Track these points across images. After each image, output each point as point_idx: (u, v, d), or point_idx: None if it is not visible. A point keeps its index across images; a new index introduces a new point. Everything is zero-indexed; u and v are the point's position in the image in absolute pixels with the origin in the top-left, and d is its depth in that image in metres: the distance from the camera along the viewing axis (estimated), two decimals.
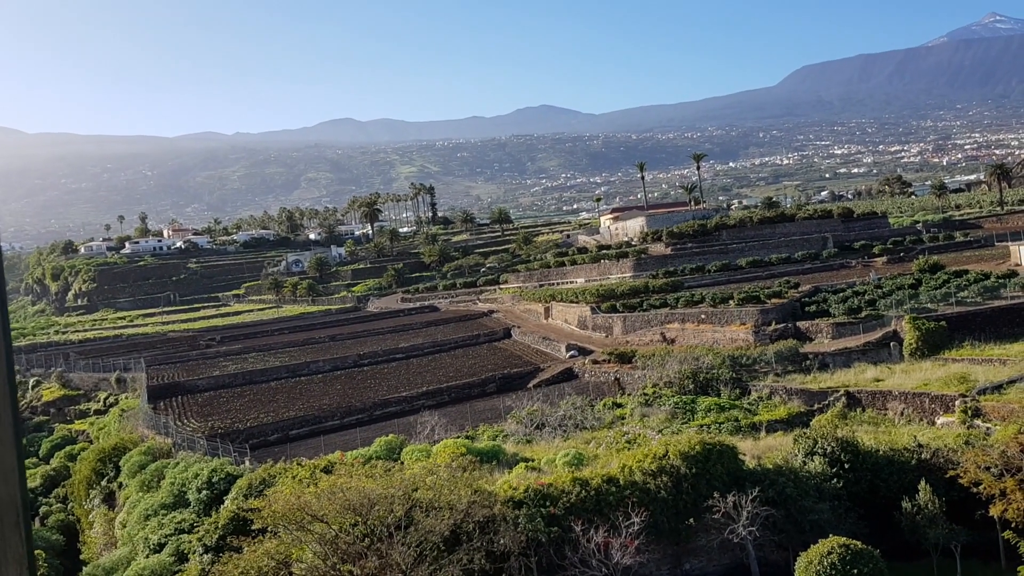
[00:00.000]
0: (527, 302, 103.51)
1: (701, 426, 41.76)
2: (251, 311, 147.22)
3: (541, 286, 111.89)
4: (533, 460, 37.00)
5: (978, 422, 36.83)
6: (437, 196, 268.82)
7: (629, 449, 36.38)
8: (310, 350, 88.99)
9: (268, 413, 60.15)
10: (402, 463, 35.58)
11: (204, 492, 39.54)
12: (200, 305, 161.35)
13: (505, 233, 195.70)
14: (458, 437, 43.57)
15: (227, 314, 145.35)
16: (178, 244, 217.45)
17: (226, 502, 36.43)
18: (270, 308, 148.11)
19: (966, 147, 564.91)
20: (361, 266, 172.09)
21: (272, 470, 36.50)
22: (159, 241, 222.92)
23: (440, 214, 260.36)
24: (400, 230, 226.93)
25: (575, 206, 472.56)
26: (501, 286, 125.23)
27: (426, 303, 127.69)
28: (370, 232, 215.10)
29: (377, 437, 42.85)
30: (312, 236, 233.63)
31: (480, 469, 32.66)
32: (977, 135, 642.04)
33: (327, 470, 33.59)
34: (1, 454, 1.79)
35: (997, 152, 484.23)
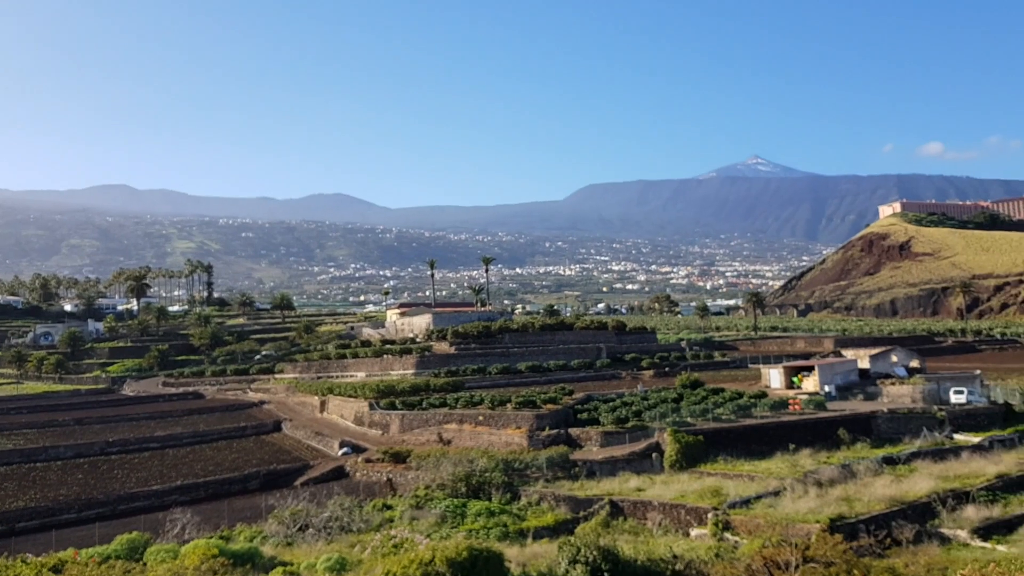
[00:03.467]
0: (303, 394, 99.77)
1: (470, 531, 41.11)
2: None
3: (319, 378, 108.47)
4: (292, 564, 34.72)
5: (728, 535, 38.84)
6: (216, 276, 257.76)
7: (395, 554, 34.97)
8: (51, 433, 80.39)
9: None
10: (144, 564, 32.61)
11: None
12: None
13: (286, 320, 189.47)
14: (211, 537, 40.17)
15: None
16: None
17: None
18: (8, 383, 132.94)
19: (727, 274, 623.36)
20: (121, 344, 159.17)
21: None
22: None
23: (217, 295, 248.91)
24: (170, 308, 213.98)
25: (362, 298, 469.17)
26: (276, 375, 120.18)
27: (190, 389, 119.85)
28: (136, 308, 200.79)
29: (120, 534, 38.70)
30: (68, 307, 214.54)
31: (233, 573, 30.20)
32: (737, 264, 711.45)
33: (56, 569, 29.81)
34: None
35: (754, 281, 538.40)
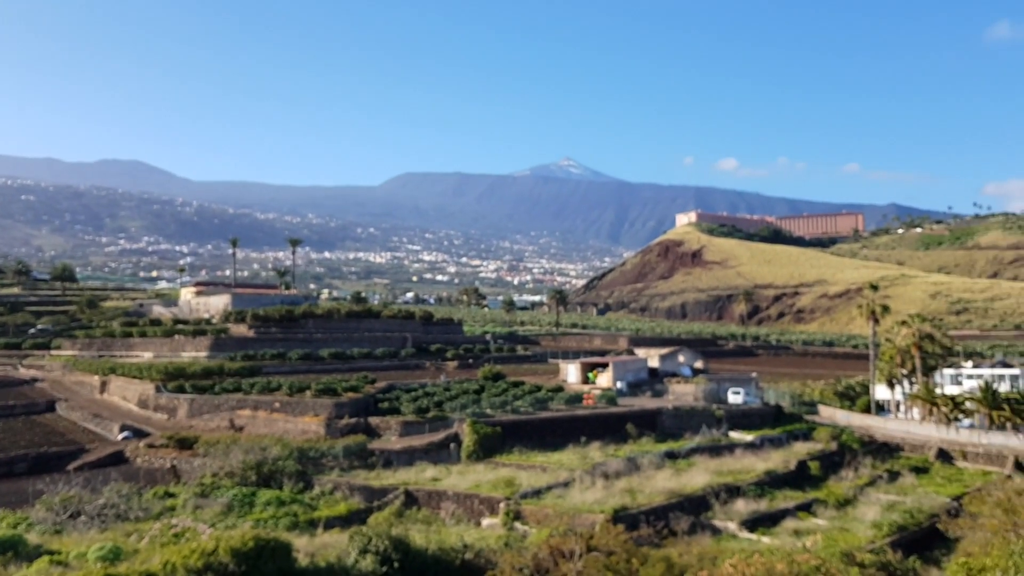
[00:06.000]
0: (81, 373, 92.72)
1: (258, 520, 39.78)
2: None
3: (101, 356, 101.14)
4: (60, 553, 32.33)
5: (518, 524, 39.85)
6: None
7: (176, 543, 33.24)
8: None
9: None
10: None
11: None
12: None
13: (67, 293, 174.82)
14: None
15: None
16: None
17: None
18: None
19: (535, 270, 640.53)
20: None
21: None
22: None
23: None
24: None
25: (155, 274, 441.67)
26: (53, 352, 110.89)
27: None
28: None
29: None
30: None
31: None
32: (544, 261, 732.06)
33: None
34: None
35: (559, 279, 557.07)
